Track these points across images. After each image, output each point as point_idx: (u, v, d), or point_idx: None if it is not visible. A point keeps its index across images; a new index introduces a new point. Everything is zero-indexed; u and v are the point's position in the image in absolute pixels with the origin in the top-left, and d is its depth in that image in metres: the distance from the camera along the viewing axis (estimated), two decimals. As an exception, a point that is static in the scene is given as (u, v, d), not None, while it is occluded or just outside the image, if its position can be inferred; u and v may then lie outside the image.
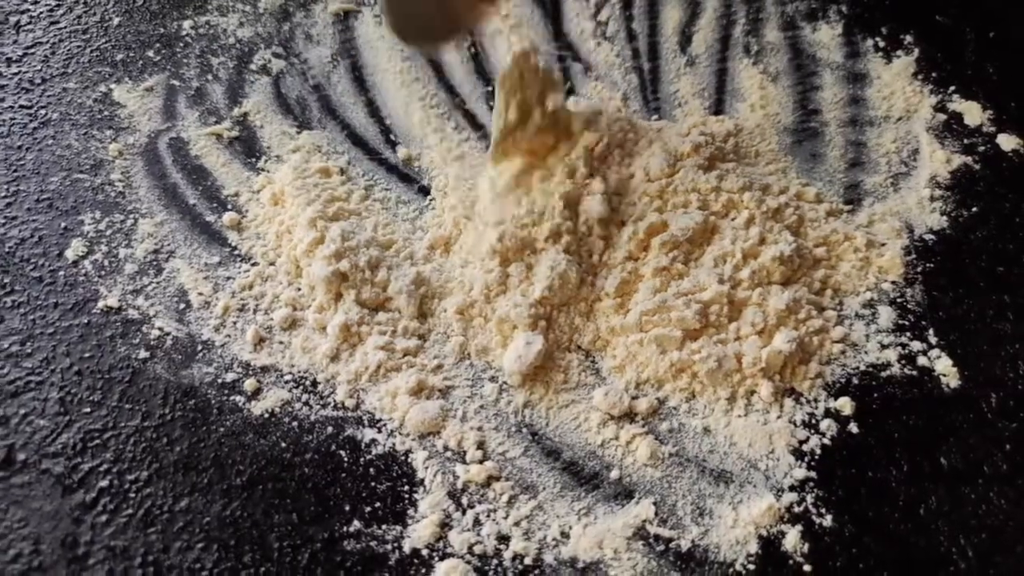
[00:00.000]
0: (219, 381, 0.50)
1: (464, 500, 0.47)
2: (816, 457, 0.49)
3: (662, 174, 0.57)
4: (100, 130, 0.61)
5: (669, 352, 0.51)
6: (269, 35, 0.68)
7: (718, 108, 0.66)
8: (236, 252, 0.56)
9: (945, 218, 0.59)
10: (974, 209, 0.60)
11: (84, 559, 0.44)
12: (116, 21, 0.68)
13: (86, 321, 0.52)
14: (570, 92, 0.66)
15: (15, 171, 0.58)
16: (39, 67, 0.64)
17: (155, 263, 0.55)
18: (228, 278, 0.55)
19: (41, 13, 0.67)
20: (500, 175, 0.57)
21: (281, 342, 0.52)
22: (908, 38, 0.69)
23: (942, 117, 0.65)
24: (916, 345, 0.53)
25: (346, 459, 0.48)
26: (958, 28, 0.70)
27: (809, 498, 0.47)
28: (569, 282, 0.53)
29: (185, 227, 0.57)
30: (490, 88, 0.66)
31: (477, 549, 0.45)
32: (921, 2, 0.72)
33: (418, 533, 0.46)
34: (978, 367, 0.52)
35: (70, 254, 0.55)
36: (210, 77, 0.65)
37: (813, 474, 0.48)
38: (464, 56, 0.68)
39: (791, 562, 0.45)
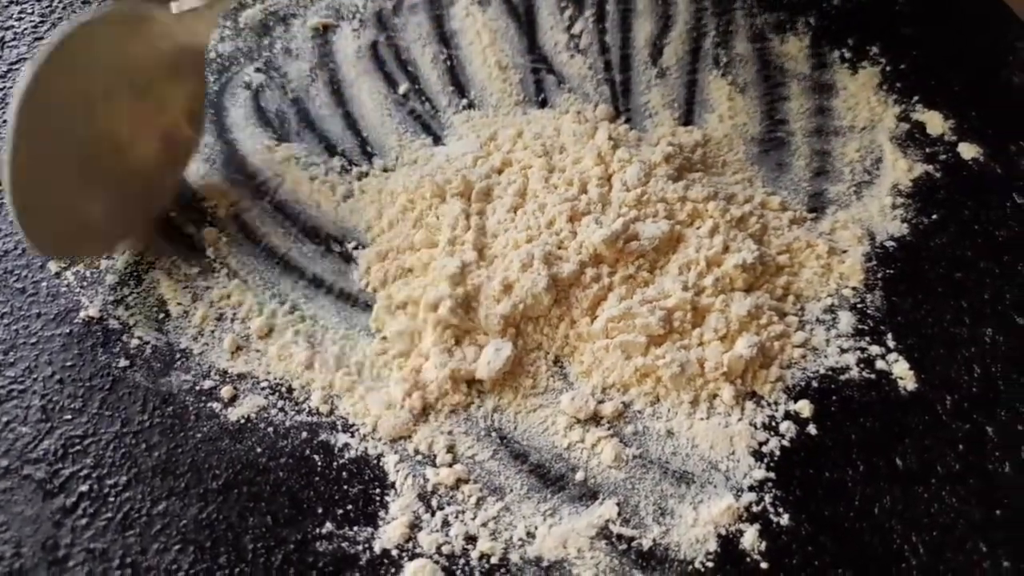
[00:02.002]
0: (197, 388, 0.52)
1: (433, 502, 0.48)
2: (775, 458, 0.50)
3: (639, 183, 0.59)
4: (83, 144, 0.62)
5: (634, 357, 0.53)
6: (249, 50, 0.70)
7: (688, 119, 0.67)
8: (215, 262, 0.58)
9: (906, 225, 0.61)
10: (934, 216, 0.61)
11: (64, 561, 0.45)
12: (99, 37, 0.69)
13: (68, 331, 0.54)
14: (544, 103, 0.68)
15: (-1, 184, 0.59)
16: (23, 82, 0.65)
17: (135, 274, 0.56)
18: (207, 288, 0.56)
19: (25, 29, 0.69)
20: None
21: (257, 350, 0.54)
22: (874, 49, 0.71)
23: (905, 127, 0.66)
24: (875, 349, 0.55)
25: (319, 463, 0.50)
26: (923, 40, 0.72)
27: (767, 498, 0.49)
28: (542, 302, 0.54)
29: (165, 238, 0.58)
30: (466, 100, 0.67)
31: (445, 549, 0.47)
32: (887, 14, 0.74)
33: (388, 534, 0.47)
34: (934, 370, 0.54)
35: (52, 266, 0.56)
36: (191, 91, 0.66)
37: (772, 475, 0.50)
38: (441, 68, 0.69)
39: (749, 560, 0.47)
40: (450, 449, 0.50)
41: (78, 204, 0.53)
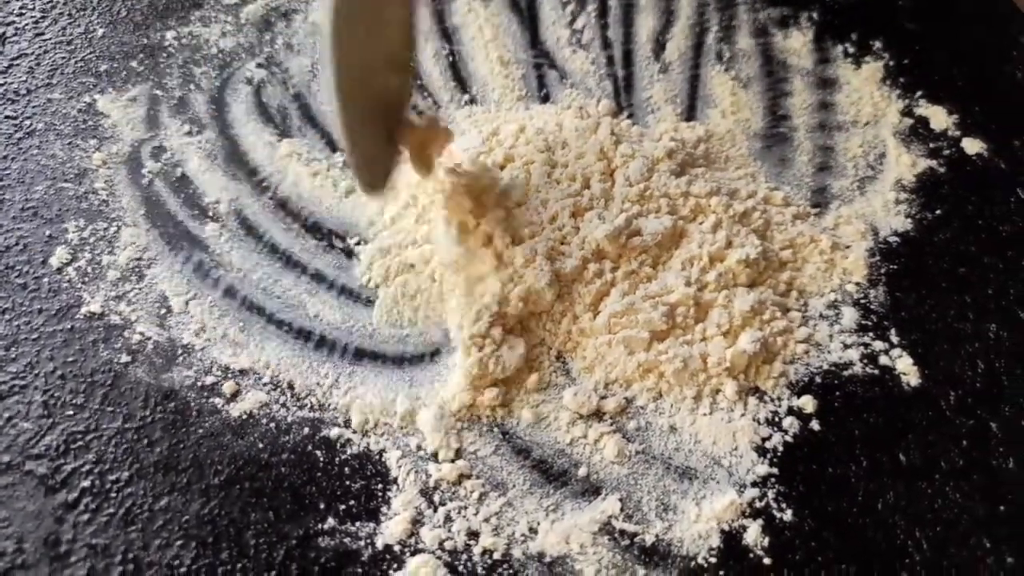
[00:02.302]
0: (198, 384, 0.52)
1: (436, 498, 0.48)
2: (778, 454, 0.50)
3: (642, 178, 0.59)
4: (84, 140, 0.62)
5: (637, 353, 0.53)
6: (251, 45, 0.70)
7: (690, 114, 0.67)
8: (216, 257, 0.57)
9: (909, 220, 0.61)
10: (938, 212, 0.61)
11: (66, 557, 0.45)
12: (100, 32, 0.69)
13: (69, 326, 0.54)
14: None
15: (1, 180, 0.59)
16: (24, 78, 0.65)
17: (137, 269, 0.56)
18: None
19: (26, 25, 0.69)
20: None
21: (260, 345, 0.54)
22: (877, 44, 0.71)
23: (908, 122, 0.66)
24: (878, 345, 0.55)
25: (321, 459, 0.49)
26: (926, 35, 0.71)
27: (770, 493, 0.49)
28: (545, 298, 0.54)
29: (167, 234, 0.58)
30: (467, 96, 0.67)
31: (448, 545, 0.47)
32: (890, 9, 0.74)
33: (390, 530, 0.47)
34: (938, 366, 0.54)
35: (54, 261, 0.56)
36: (192, 87, 0.66)
37: (775, 470, 0.50)
38: (443, 64, 0.69)
39: (752, 555, 0.47)
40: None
41: (378, 141, 0.52)
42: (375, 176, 0.52)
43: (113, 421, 0.50)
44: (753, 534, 0.47)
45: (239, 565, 0.46)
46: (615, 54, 0.71)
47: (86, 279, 0.56)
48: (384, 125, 0.52)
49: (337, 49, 0.46)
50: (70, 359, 0.52)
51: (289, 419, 0.51)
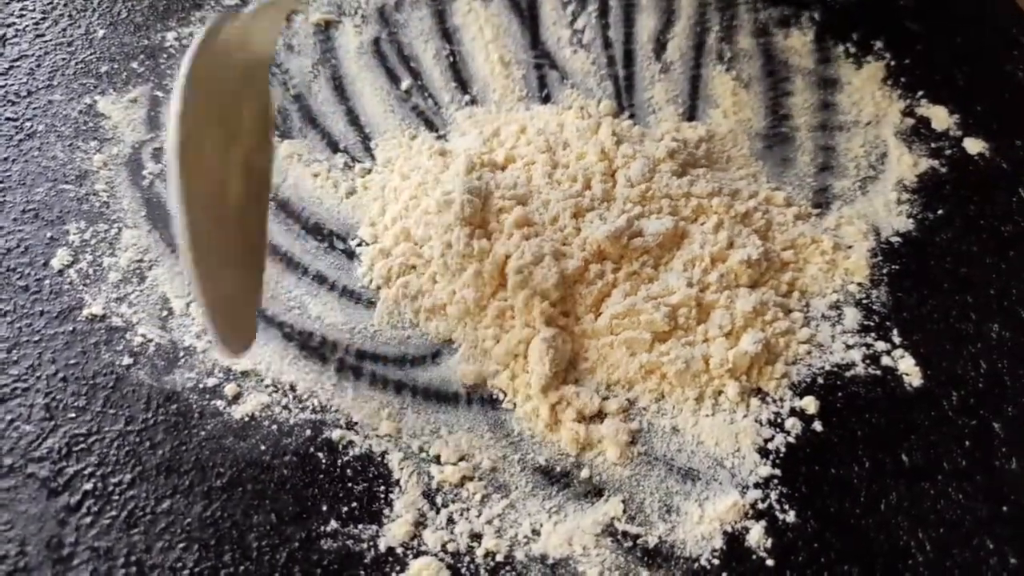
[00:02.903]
0: (200, 386, 0.52)
1: (438, 500, 0.48)
2: (781, 455, 0.50)
3: (643, 179, 0.59)
4: (85, 141, 0.62)
5: (639, 354, 0.53)
6: (251, 46, 0.69)
7: (691, 114, 0.67)
8: (218, 260, 0.57)
9: (911, 221, 0.61)
10: (939, 212, 0.61)
11: (69, 560, 0.45)
12: (101, 33, 0.69)
13: (71, 328, 0.53)
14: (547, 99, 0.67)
15: (1, 182, 0.59)
16: (25, 80, 0.65)
17: (138, 271, 0.56)
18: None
19: (27, 26, 0.69)
20: None
21: (261, 347, 0.54)
22: (878, 44, 0.71)
23: (910, 122, 0.66)
24: (880, 345, 0.55)
25: (324, 461, 0.49)
26: (927, 35, 0.71)
27: (773, 495, 0.49)
28: (550, 297, 0.54)
29: (168, 236, 0.58)
30: (468, 96, 0.67)
31: (450, 547, 0.47)
32: (891, 9, 0.74)
33: (393, 532, 0.47)
34: (940, 366, 0.54)
35: (55, 263, 0.56)
36: (193, 88, 0.66)
37: (777, 471, 0.50)
38: (443, 65, 0.69)
39: (755, 557, 0.47)
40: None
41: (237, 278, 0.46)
42: (237, 329, 0.45)
43: (115, 423, 0.50)
44: (756, 535, 0.47)
45: (242, 567, 0.46)
46: (616, 54, 0.71)
47: (87, 281, 0.56)
48: (244, 255, 0.46)
49: (183, 173, 0.39)
50: (72, 361, 0.52)
51: (291, 421, 0.51)
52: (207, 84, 0.41)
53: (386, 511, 0.48)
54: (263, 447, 0.50)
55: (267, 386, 0.52)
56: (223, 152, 0.45)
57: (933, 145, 0.65)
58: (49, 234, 0.57)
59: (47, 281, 0.55)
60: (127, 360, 0.52)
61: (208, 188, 0.42)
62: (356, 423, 0.51)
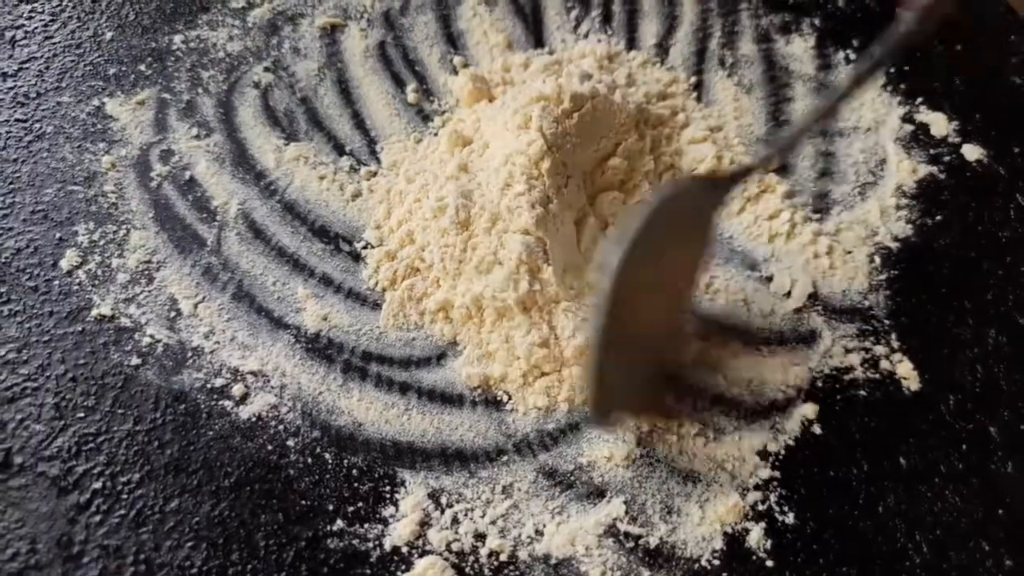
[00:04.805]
0: (208, 386, 0.52)
1: (443, 500, 0.49)
2: (780, 457, 0.51)
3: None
4: (93, 143, 0.63)
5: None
6: (258, 49, 0.70)
7: (693, 119, 0.68)
8: (224, 260, 0.58)
9: (910, 226, 0.61)
10: (938, 217, 0.62)
11: (78, 558, 0.46)
12: (109, 36, 0.69)
13: (80, 329, 0.54)
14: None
15: (11, 183, 0.60)
16: (34, 81, 0.66)
17: (146, 272, 0.57)
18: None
19: (36, 28, 0.69)
20: None
21: (268, 348, 0.54)
22: (878, 51, 0.71)
23: (909, 128, 0.67)
24: (879, 349, 0.55)
25: (330, 460, 0.50)
26: (926, 41, 0.72)
27: (773, 497, 0.49)
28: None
29: (175, 237, 0.59)
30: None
31: (455, 547, 0.47)
32: (891, 16, 0.74)
33: (398, 531, 0.48)
34: (938, 371, 0.55)
35: (64, 264, 0.57)
36: (200, 90, 0.67)
37: (777, 474, 0.50)
38: (448, 69, 0.70)
39: (754, 558, 0.47)
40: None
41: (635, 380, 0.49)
42: (604, 411, 0.48)
43: (124, 423, 0.51)
44: (756, 537, 0.48)
45: (249, 566, 0.46)
46: (619, 59, 0.71)
47: (96, 282, 0.56)
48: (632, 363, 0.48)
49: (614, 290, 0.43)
50: (81, 361, 0.53)
51: (297, 421, 0.51)
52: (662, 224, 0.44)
53: (391, 511, 0.48)
54: (270, 447, 0.50)
55: (274, 387, 0.53)
56: (651, 291, 0.46)
57: (932, 151, 0.65)
58: (58, 235, 0.58)
59: (56, 282, 0.56)
60: (135, 360, 0.53)
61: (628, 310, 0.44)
62: (362, 424, 0.52)
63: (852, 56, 0.71)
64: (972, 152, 0.65)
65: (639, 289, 0.44)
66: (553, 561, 0.47)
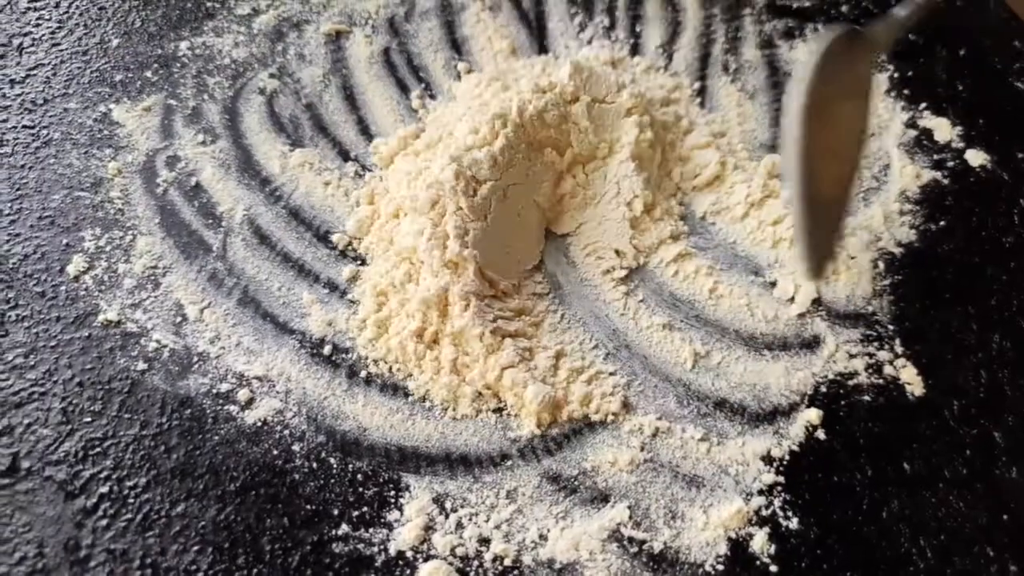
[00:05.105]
0: (214, 391, 0.53)
1: (447, 504, 0.49)
2: (784, 462, 0.51)
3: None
4: (100, 149, 0.63)
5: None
6: (263, 55, 0.70)
7: (697, 125, 0.68)
8: (230, 266, 0.58)
9: (914, 231, 0.62)
10: (942, 223, 0.62)
11: (85, 561, 0.46)
12: (115, 43, 0.70)
13: (87, 334, 0.54)
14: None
15: (18, 189, 0.60)
16: (41, 88, 0.66)
17: (152, 278, 0.57)
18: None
19: (43, 35, 0.70)
20: None
21: (273, 353, 0.55)
22: (882, 56, 0.72)
23: (913, 133, 0.67)
24: (883, 355, 0.56)
25: (335, 465, 0.50)
26: (930, 47, 0.72)
27: (777, 502, 0.50)
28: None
29: (181, 243, 0.59)
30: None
31: (459, 551, 0.47)
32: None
33: (403, 536, 0.48)
34: (942, 376, 0.55)
35: (71, 269, 0.57)
36: (206, 97, 0.67)
37: (781, 479, 0.50)
38: (452, 74, 0.70)
39: (758, 563, 0.47)
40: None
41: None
42: (820, 264, 0.54)
43: (130, 428, 0.51)
44: (759, 542, 0.48)
45: (255, 571, 0.46)
46: (623, 65, 0.71)
47: (102, 287, 0.57)
48: (829, 215, 0.53)
49: (803, 137, 0.49)
50: (88, 367, 0.53)
51: (303, 426, 0.52)
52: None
53: (396, 515, 0.49)
54: (275, 452, 0.51)
55: (279, 391, 0.53)
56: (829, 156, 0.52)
57: (936, 157, 0.66)
58: (65, 241, 0.58)
59: (63, 287, 0.56)
60: (142, 365, 0.53)
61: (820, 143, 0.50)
62: (367, 428, 0.52)
63: (855, 62, 0.71)
64: (976, 157, 0.65)
65: (820, 154, 0.50)
66: (557, 566, 0.47)
